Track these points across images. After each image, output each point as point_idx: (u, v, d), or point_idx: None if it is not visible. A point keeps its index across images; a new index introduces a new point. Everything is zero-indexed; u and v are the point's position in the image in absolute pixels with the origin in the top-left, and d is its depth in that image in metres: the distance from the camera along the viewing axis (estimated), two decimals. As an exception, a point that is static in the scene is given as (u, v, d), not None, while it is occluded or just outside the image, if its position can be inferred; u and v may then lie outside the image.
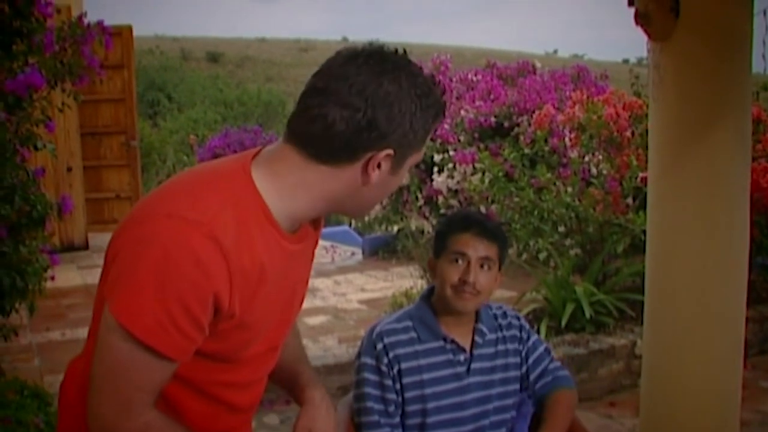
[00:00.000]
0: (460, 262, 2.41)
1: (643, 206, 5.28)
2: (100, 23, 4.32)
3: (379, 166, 1.51)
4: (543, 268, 6.42)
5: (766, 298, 6.25)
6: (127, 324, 1.40)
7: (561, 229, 6.61)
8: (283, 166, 1.52)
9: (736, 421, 3.41)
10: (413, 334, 2.49)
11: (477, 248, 2.41)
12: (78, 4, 8.20)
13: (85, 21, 4.22)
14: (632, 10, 3.35)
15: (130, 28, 9.26)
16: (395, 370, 2.44)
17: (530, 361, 2.60)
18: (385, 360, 2.44)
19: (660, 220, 3.44)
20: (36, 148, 4.87)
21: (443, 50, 12.00)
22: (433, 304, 2.52)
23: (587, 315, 5.44)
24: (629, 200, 6.23)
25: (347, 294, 7.53)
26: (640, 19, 3.33)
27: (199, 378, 1.58)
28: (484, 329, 2.53)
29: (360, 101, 1.45)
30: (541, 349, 2.64)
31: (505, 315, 2.63)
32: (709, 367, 3.34)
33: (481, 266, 2.42)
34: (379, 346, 2.46)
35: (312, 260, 1.76)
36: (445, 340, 2.49)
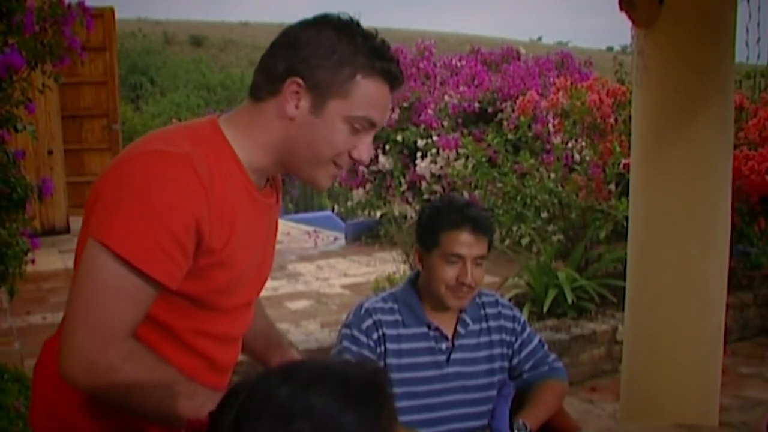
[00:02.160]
0: (455, 261, 2.39)
1: (625, 192, 5.28)
2: (80, 3, 4.27)
3: (297, 103, 1.58)
4: (525, 254, 6.44)
5: (746, 285, 6.29)
6: (115, 246, 1.42)
7: (544, 215, 6.62)
8: (240, 116, 1.65)
9: (716, 406, 3.42)
10: (398, 317, 2.48)
11: (472, 247, 2.39)
12: (59, -16, 8.12)
13: (66, 1, 4.17)
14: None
15: (112, 10, 9.20)
16: (382, 348, 2.44)
17: (523, 353, 2.59)
18: (375, 336, 2.44)
19: (642, 206, 3.45)
20: (16, 130, 4.82)
21: (427, 36, 11.97)
22: (419, 290, 2.51)
23: (569, 300, 5.46)
24: (612, 186, 6.24)
25: (330, 279, 7.54)
26: (625, 4, 3.32)
27: (180, 325, 1.62)
28: (468, 319, 2.53)
29: (288, 40, 1.60)
30: (536, 341, 2.62)
31: (495, 304, 2.61)
32: (690, 352, 3.36)
33: (476, 264, 2.41)
34: (369, 321, 2.45)
35: (277, 227, 1.85)
36: (429, 327, 2.48)
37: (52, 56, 4.12)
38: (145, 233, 1.43)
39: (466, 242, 2.38)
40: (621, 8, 3.34)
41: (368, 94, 1.59)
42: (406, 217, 9.05)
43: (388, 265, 7.01)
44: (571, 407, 2.90)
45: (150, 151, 1.49)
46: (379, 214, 9.79)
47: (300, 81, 1.56)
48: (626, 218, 4.10)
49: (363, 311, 2.48)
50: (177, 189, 1.45)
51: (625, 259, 3.63)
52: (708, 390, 3.42)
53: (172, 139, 1.54)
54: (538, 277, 5.75)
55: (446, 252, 2.39)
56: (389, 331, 2.45)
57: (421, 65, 9.94)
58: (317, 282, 7.39)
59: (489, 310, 2.58)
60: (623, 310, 3.73)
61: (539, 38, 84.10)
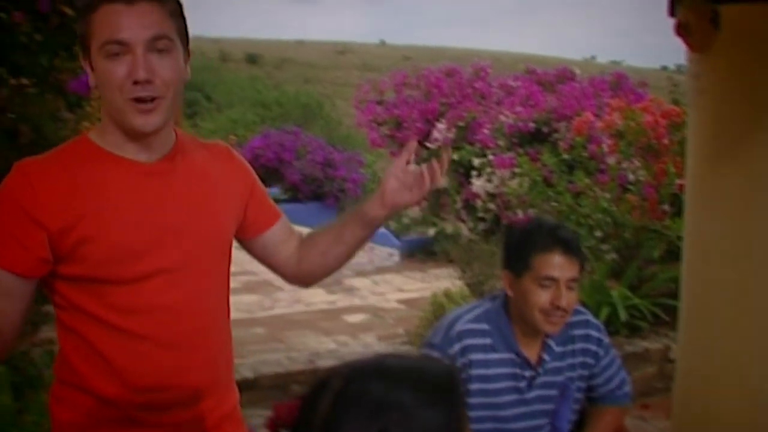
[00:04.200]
0: (548, 285, 2.32)
1: (679, 213, 5.34)
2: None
3: (90, 72, 1.72)
4: (583, 272, 6.49)
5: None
6: None
7: (598, 233, 6.67)
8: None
9: (769, 424, 3.44)
10: (488, 341, 2.41)
11: (565, 270, 2.33)
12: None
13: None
14: (671, 17, 3.41)
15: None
16: (467, 374, 2.37)
17: (601, 378, 2.55)
18: (461, 362, 2.37)
19: (696, 226, 3.49)
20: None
21: (481, 55, 12.09)
22: (510, 314, 2.44)
23: (622, 318, 5.51)
24: (666, 207, 6.28)
25: (385, 294, 7.66)
26: (681, 29, 3.38)
27: (95, 304, 1.73)
28: (553, 344, 2.46)
29: None
30: (615, 366, 2.58)
31: (585, 325, 2.52)
32: (743, 371, 3.35)
33: (569, 287, 2.34)
34: (457, 346, 2.39)
35: (220, 185, 1.89)
36: (517, 354, 2.42)
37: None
38: None
39: (559, 265, 2.32)
40: (677, 33, 3.41)
41: (102, 21, 1.66)
42: (460, 234, 9.14)
43: (443, 282, 7.09)
44: (622, 424, 2.94)
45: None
46: (432, 232, 9.89)
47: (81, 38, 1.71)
48: (680, 238, 4.16)
49: (453, 333, 2.41)
50: (8, 190, 1.69)
51: (679, 279, 3.68)
52: (763, 409, 3.41)
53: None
54: (592, 294, 5.80)
55: (539, 275, 2.32)
56: (477, 356, 2.39)
57: (476, 85, 10.06)
58: (373, 297, 7.52)
59: (576, 332, 2.49)
60: (676, 329, 3.76)
61: (593, 57, 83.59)
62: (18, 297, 1.72)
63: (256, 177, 2.03)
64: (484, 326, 2.43)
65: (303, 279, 2.12)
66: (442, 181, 1.84)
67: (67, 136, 4.90)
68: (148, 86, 1.67)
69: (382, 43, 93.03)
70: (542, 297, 2.32)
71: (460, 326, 2.42)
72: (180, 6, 1.77)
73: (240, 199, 1.94)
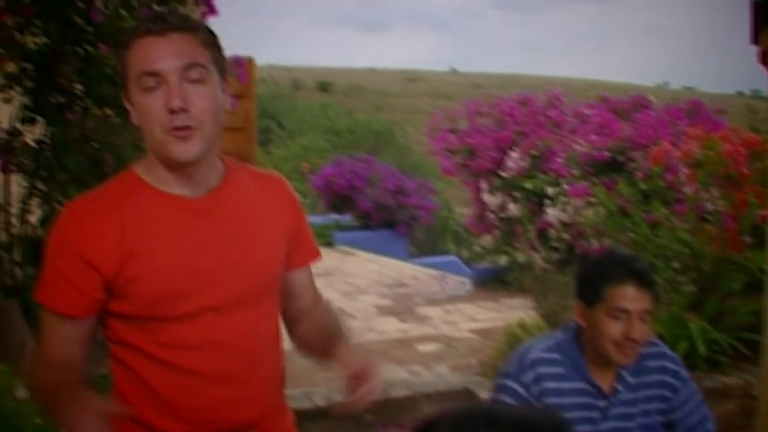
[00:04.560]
0: (620, 317, 2.33)
1: (761, 244, 5.23)
2: (236, 59, 4.60)
3: (131, 107, 1.76)
4: (656, 304, 6.39)
5: None
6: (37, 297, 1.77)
7: (675, 265, 6.57)
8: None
9: None
10: (561, 370, 2.42)
11: (638, 302, 2.34)
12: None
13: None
14: (748, 40, 3.38)
15: (252, 61, 9.63)
16: (541, 403, 2.37)
17: (680, 413, 2.51)
18: (535, 390, 2.38)
19: (780, 259, 3.43)
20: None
21: (551, 82, 12.06)
22: (582, 344, 2.45)
23: (701, 353, 5.40)
24: (747, 238, 6.16)
25: (458, 323, 7.63)
26: (765, 58, 3.35)
27: (144, 340, 1.76)
28: (627, 375, 2.45)
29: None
30: (696, 400, 2.54)
31: (660, 356, 2.52)
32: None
33: (641, 319, 2.35)
34: (531, 374, 2.40)
35: (251, 225, 1.87)
36: (590, 384, 2.42)
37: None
38: (44, 277, 1.75)
39: (631, 296, 2.33)
40: (761, 61, 3.38)
41: (136, 55, 1.71)
42: (533, 263, 9.09)
43: (516, 312, 7.06)
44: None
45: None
46: (504, 260, 9.84)
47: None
48: (762, 270, 4.08)
49: (527, 361, 2.42)
50: (60, 233, 1.74)
51: (761, 312, 3.62)
52: None
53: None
54: (669, 327, 5.70)
55: (611, 307, 2.34)
56: (551, 385, 2.40)
57: (550, 113, 10.02)
58: (446, 326, 7.49)
59: (651, 363, 2.49)
60: (758, 364, 3.70)
61: (665, 83, 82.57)
62: (78, 339, 1.76)
63: (305, 215, 2.03)
64: (556, 356, 2.44)
65: (292, 338, 2.12)
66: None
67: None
68: (184, 115, 1.69)
69: (453, 71, 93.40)
70: (614, 328, 2.33)
71: (533, 355, 2.44)
72: (214, 36, 1.80)
73: (287, 232, 1.93)
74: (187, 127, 1.69)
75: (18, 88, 4.67)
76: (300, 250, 1.99)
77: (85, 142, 4.75)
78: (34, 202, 4.83)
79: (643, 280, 2.35)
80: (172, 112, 1.67)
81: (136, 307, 1.74)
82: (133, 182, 1.80)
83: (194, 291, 1.75)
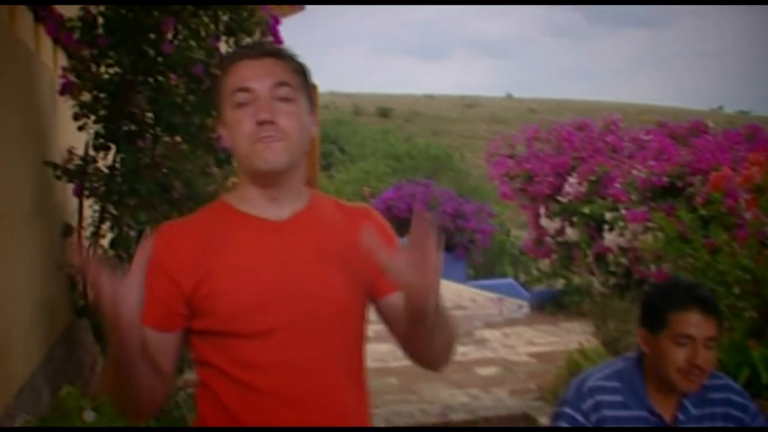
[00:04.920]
0: (685, 343, 2.31)
1: (823, 271, 5.18)
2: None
3: (221, 129, 1.89)
4: (721, 331, 6.33)
5: None
6: None
7: (736, 290, 6.52)
8: None
9: None
10: (620, 398, 2.41)
11: (703, 329, 2.31)
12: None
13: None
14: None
15: (314, 87, 9.82)
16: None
17: None
18: (594, 418, 2.38)
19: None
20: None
21: (605, 107, 12.08)
22: (644, 371, 2.43)
23: (764, 381, 5.35)
24: (809, 264, 6.09)
25: (516, 347, 7.65)
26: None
27: (221, 359, 1.80)
28: (689, 406, 2.42)
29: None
30: None
31: (725, 389, 2.47)
32: None
33: (706, 346, 2.32)
34: (589, 402, 2.39)
35: (332, 247, 1.86)
36: (651, 412, 2.40)
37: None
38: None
39: (696, 323, 2.31)
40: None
41: (232, 76, 1.83)
42: (590, 287, 9.07)
43: (574, 336, 7.04)
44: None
45: None
46: (561, 284, 9.84)
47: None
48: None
49: (585, 389, 2.42)
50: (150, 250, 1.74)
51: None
52: None
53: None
54: (731, 354, 5.65)
55: (676, 333, 2.32)
56: (610, 413, 2.39)
57: (608, 139, 10.03)
58: (504, 349, 7.53)
59: (715, 395, 2.45)
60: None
61: (720, 107, 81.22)
62: (162, 351, 1.80)
63: (397, 242, 1.94)
64: (615, 384, 2.42)
65: (413, 360, 1.95)
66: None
67: (215, 190, 5.19)
68: (270, 127, 1.76)
69: (509, 97, 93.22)
70: (679, 355, 2.31)
71: (591, 383, 2.43)
72: (303, 67, 1.90)
73: (373, 260, 1.79)
74: (272, 138, 1.77)
75: (92, 117, 4.86)
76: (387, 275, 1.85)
77: (155, 169, 4.92)
78: (105, 226, 5.01)
79: (708, 306, 2.33)
80: (261, 123, 1.76)
81: (213, 323, 1.80)
82: (222, 207, 1.90)
83: (267, 308, 1.78)
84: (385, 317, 1.94)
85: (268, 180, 1.83)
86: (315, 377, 1.81)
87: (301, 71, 1.88)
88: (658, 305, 2.39)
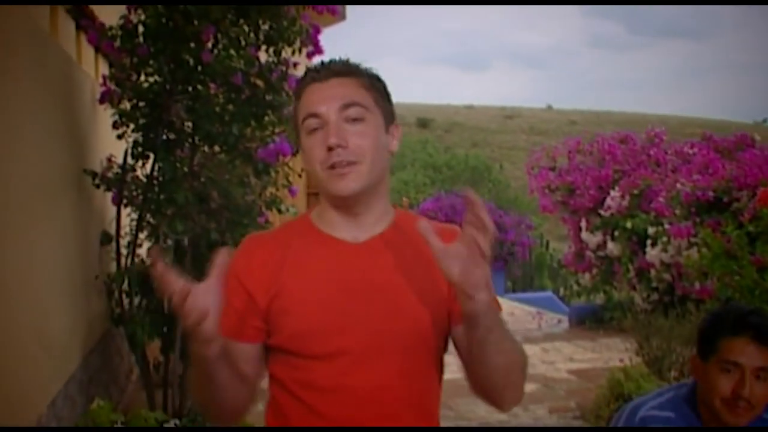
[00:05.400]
0: (732, 371, 2.16)
1: None
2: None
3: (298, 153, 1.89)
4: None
5: None
6: None
7: (783, 309, 6.37)
8: None
9: None
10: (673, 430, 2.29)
11: (753, 357, 2.15)
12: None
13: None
14: None
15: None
16: None
17: None
18: None
19: None
20: (279, 212, 5.30)
21: (647, 118, 11.92)
22: (698, 402, 2.30)
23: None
24: None
25: (555, 363, 7.55)
26: None
27: (285, 376, 1.79)
28: None
29: None
30: None
31: None
32: None
33: (757, 377, 2.16)
34: None
35: (419, 270, 1.78)
36: None
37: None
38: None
39: (745, 350, 2.16)
40: None
41: (303, 101, 1.81)
42: (631, 302, 8.93)
43: (614, 353, 6.94)
44: None
45: None
46: (601, 299, 9.70)
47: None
48: None
49: (637, 419, 2.31)
50: (232, 263, 1.72)
51: None
52: None
53: None
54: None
55: (722, 359, 2.18)
56: None
57: (651, 152, 9.88)
58: (543, 365, 7.42)
59: None
60: None
61: (764, 120, 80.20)
62: (243, 359, 1.78)
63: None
64: (669, 414, 2.31)
65: (477, 391, 1.86)
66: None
67: (253, 201, 5.16)
68: (342, 151, 1.72)
69: (549, 108, 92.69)
70: (725, 383, 2.16)
71: (643, 412, 2.32)
72: (379, 80, 1.85)
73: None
74: (344, 163, 1.74)
75: (131, 125, 4.87)
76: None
77: (193, 178, 4.90)
78: (143, 235, 5.01)
79: (761, 334, 2.16)
80: (330, 149, 1.73)
81: (282, 340, 1.79)
82: (304, 225, 1.88)
83: (333, 331, 1.75)
84: (456, 345, 1.85)
85: (346, 203, 1.80)
86: (374, 406, 1.75)
87: (374, 87, 1.83)
88: (710, 330, 2.26)
